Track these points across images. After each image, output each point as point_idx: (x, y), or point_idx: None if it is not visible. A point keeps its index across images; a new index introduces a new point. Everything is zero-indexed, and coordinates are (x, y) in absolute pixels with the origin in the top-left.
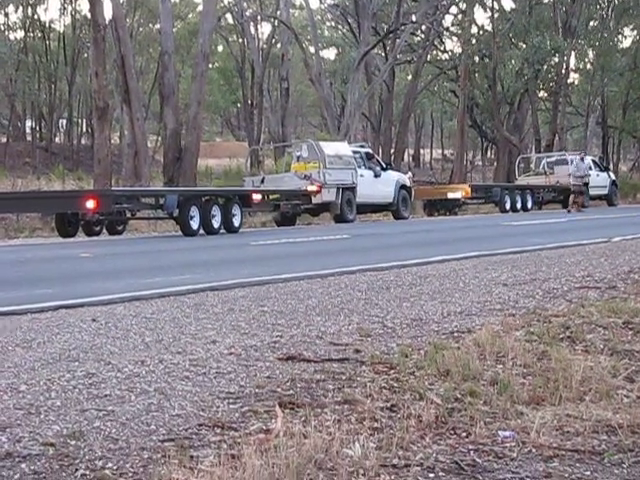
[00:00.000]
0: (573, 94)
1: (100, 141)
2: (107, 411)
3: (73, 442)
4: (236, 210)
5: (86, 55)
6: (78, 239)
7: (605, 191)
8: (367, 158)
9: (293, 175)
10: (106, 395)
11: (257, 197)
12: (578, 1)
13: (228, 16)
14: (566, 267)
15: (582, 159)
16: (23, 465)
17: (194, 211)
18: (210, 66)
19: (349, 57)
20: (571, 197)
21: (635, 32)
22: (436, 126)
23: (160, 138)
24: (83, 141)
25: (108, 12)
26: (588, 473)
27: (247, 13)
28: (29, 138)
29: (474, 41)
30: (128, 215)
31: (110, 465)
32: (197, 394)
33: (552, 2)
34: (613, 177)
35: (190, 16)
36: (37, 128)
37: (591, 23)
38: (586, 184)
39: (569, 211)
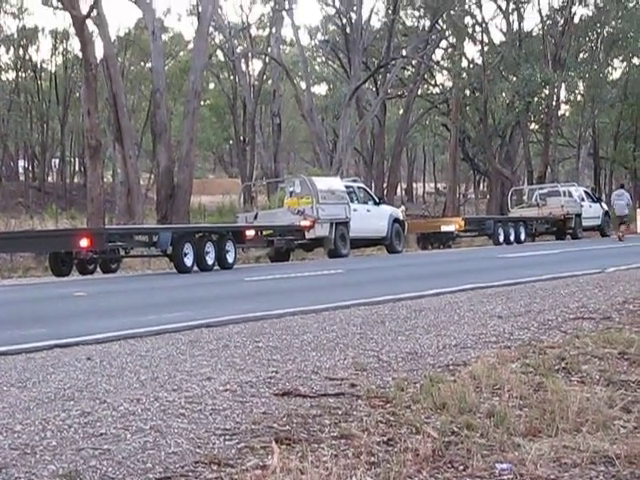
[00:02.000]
0: (564, 126)
1: (93, 179)
2: (103, 450)
3: None
4: (230, 246)
5: (78, 94)
6: (72, 278)
7: (598, 222)
8: (360, 192)
9: (286, 211)
10: (102, 434)
11: (251, 233)
12: (567, 33)
13: (219, 53)
14: (560, 298)
15: (622, 186)
16: None
17: (188, 248)
18: (202, 103)
19: (340, 92)
20: (622, 226)
21: (624, 63)
22: (428, 160)
23: (153, 176)
24: (76, 180)
25: (99, 51)
26: None
27: (238, 50)
28: (22, 178)
29: (464, 74)
30: (122, 253)
31: None
32: (193, 431)
33: (541, 35)
34: (606, 208)
35: (181, 54)
36: (30, 168)
37: (581, 55)
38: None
39: (620, 239)
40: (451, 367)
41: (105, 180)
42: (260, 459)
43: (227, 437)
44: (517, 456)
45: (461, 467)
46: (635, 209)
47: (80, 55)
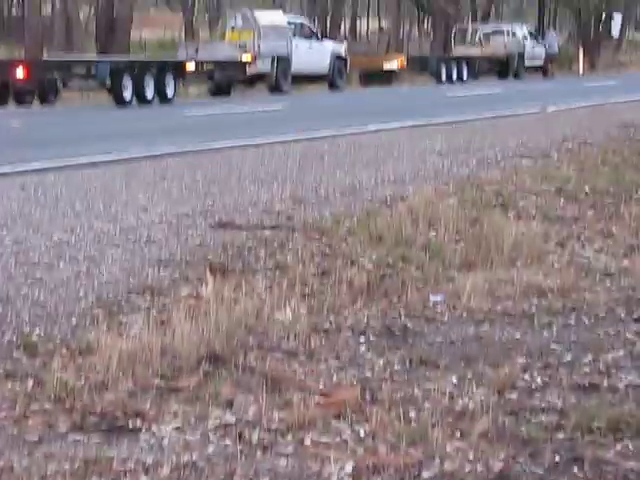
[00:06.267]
0: None
1: (31, 10)
2: (35, 278)
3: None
4: (169, 80)
5: None
6: (9, 109)
7: (541, 62)
8: (302, 28)
9: (228, 45)
10: (34, 262)
11: (191, 67)
12: None
13: None
14: (501, 136)
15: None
16: None
17: (127, 81)
18: None
19: None
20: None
21: None
22: None
23: (93, 8)
24: (14, 12)
25: None
26: (518, 335)
27: None
28: None
29: None
30: (59, 85)
31: (38, 331)
32: (127, 261)
33: None
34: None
35: None
36: None
37: None
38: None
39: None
40: (389, 201)
41: (44, 13)
42: (194, 289)
43: (161, 267)
44: (451, 288)
45: (395, 299)
46: (578, 49)
47: None
